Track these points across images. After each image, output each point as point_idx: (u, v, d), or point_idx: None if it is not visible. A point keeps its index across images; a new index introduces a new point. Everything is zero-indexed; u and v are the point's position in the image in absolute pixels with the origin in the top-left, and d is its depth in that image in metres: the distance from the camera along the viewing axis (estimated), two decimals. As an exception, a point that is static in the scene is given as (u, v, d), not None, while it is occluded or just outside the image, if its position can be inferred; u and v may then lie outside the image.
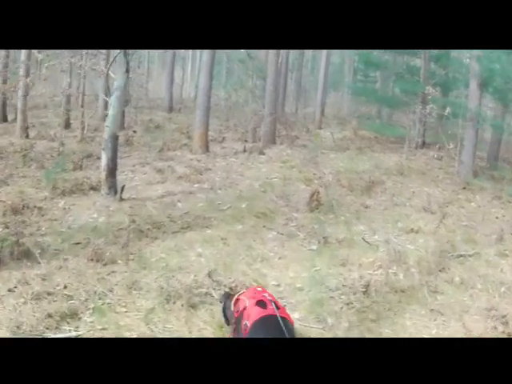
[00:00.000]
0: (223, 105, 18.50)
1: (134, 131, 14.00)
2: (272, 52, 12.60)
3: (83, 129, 11.94)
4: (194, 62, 33.25)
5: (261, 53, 15.30)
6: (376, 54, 21.67)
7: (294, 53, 28.60)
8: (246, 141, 12.58)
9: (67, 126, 13.52)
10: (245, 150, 11.11)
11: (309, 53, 38.37)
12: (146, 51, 33.45)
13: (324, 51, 19.73)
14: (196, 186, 8.20)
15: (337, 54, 31.28)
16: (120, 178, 8.40)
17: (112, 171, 6.96)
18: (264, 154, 10.91)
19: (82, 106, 12.53)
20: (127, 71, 6.71)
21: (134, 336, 3.62)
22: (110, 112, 6.84)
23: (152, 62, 44.61)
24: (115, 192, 6.88)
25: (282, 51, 14.58)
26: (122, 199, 6.84)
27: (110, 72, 6.76)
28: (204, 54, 10.67)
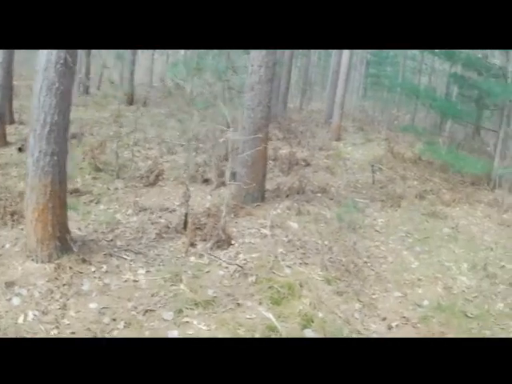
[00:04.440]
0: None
1: None
2: None
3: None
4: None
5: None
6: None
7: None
8: (205, 181, 6.04)
9: None
10: (185, 226, 4.26)
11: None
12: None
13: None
14: None
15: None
16: None
17: None
18: (231, 243, 4.01)
19: None
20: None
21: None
22: None
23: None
24: None
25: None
26: None
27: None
28: None
